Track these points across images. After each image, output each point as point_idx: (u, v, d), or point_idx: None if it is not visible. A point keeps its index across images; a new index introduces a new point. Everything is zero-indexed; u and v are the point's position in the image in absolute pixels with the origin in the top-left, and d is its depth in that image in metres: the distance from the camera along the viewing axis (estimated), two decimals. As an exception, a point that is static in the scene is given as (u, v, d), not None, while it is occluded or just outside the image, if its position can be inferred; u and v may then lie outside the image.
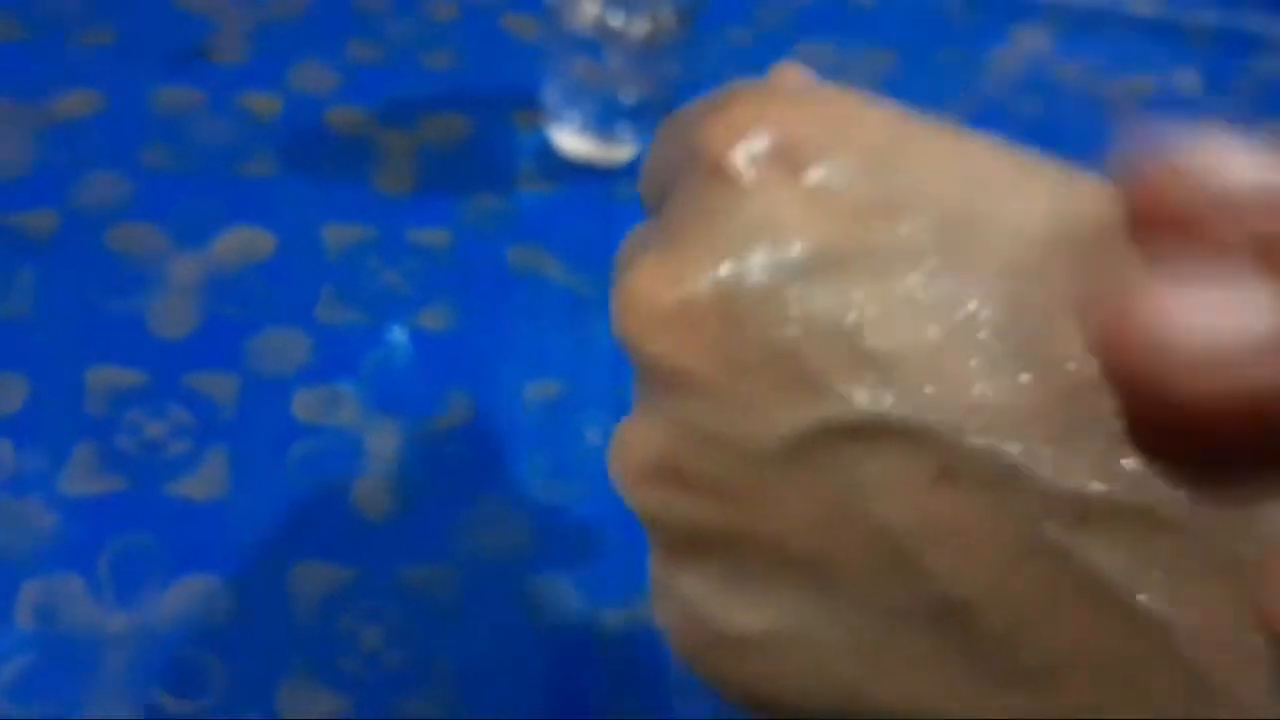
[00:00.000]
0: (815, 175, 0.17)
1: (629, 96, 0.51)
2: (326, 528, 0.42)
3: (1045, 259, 0.16)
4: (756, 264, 0.17)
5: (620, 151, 0.53)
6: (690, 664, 0.18)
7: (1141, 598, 0.14)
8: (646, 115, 0.52)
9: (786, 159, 0.17)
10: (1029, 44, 0.63)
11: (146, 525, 0.41)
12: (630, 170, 0.53)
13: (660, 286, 0.18)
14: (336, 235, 0.49)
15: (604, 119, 0.52)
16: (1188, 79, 0.62)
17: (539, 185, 0.52)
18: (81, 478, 0.42)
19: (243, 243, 0.49)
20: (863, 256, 0.16)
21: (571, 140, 0.53)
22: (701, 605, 0.18)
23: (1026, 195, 0.16)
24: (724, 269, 0.17)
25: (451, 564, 0.42)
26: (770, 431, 0.16)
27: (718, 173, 0.18)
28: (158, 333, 0.46)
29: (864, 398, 0.15)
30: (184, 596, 0.40)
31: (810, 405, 0.16)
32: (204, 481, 0.42)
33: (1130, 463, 0.14)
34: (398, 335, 0.47)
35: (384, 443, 0.44)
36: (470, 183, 0.52)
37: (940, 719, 0.16)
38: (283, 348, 0.46)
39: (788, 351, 0.16)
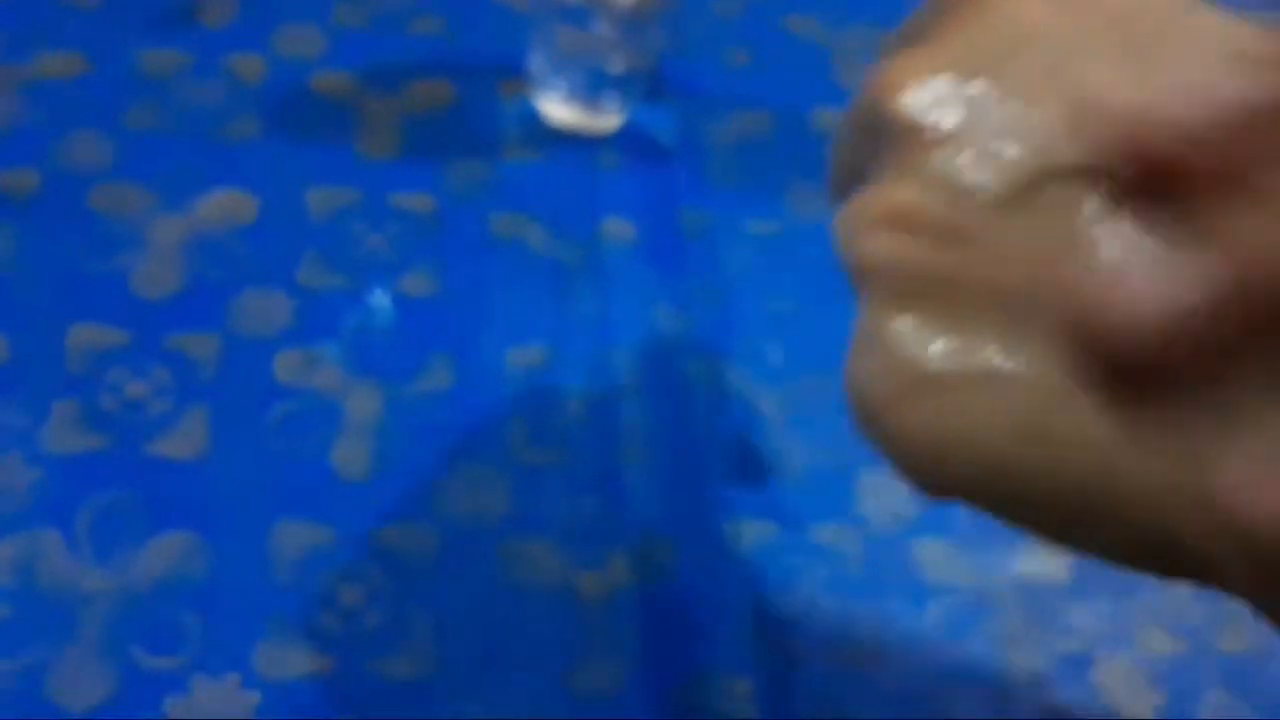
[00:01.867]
0: None
1: (615, 66, 0.51)
2: (305, 488, 0.42)
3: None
4: (1003, 55, 0.20)
5: (606, 120, 0.53)
6: (878, 415, 0.20)
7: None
8: (633, 85, 0.52)
9: None
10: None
11: (126, 483, 0.41)
12: (616, 140, 0.53)
13: (920, 61, 0.21)
14: (320, 199, 0.49)
15: (590, 88, 0.52)
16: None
17: (524, 153, 0.52)
18: (62, 435, 0.42)
19: (226, 205, 0.49)
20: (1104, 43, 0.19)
21: (557, 109, 0.53)
22: (908, 348, 0.20)
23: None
24: (975, 57, 0.20)
25: (430, 525, 0.42)
26: (1003, 177, 0.19)
27: None
28: (139, 293, 0.46)
29: (1081, 148, 0.18)
30: (162, 554, 0.40)
31: (1037, 154, 0.19)
32: (184, 441, 0.42)
33: None
34: (379, 299, 0.47)
35: (364, 405, 0.44)
36: (455, 149, 0.52)
37: (1079, 481, 0.18)
38: (264, 309, 0.46)
39: (1022, 111, 0.19)
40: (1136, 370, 0.17)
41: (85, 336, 0.44)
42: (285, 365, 0.45)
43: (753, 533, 0.43)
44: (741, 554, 0.43)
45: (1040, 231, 0.19)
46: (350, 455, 0.43)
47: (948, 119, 0.20)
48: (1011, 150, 0.19)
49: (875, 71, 0.22)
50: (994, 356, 0.19)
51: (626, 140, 0.54)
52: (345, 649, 0.39)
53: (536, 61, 0.52)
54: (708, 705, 0.40)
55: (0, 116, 0.50)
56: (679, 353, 0.47)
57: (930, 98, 0.20)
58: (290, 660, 0.39)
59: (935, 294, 0.20)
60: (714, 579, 0.42)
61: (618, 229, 0.51)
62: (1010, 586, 0.44)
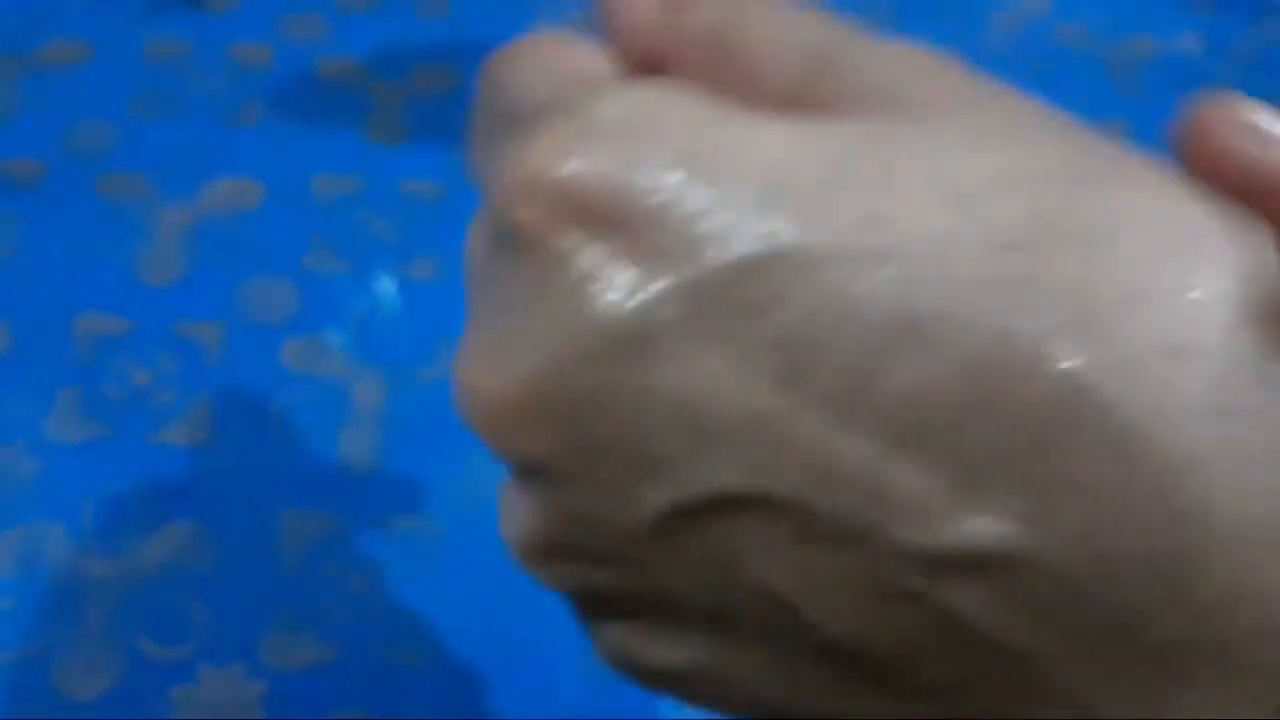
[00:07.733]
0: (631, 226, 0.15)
1: (623, 49, 0.50)
2: (312, 476, 0.42)
3: None
4: (578, 346, 0.15)
5: (614, 105, 0.53)
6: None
7: (1005, 636, 0.14)
8: (640, 68, 0.52)
9: (604, 210, 0.15)
10: (1027, 5, 0.62)
11: (131, 472, 0.41)
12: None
13: (493, 380, 0.16)
14: (325, 185, 0.49)
15: (597, 72, 0.51)
16: (1188, 41, 0.61)
17: (531, 138, 0.52)
18: (66, 424, 0.42)
19: (231, 192, 0.48)
20: (698, 318, 0.15)
21: (564, 93, 0.53)
22: (627, 649, 0.18)
23: None
24: (546, 357, 0.16)
25: (438, 513, 0.41)
26: (634, 513, 0.16)
27: (516, 239, 0.16)
28: (145, 280, 0.45)
29: (707, 475, 0.15)
30: (167, 543, 0.40)
31: (662, 487, 0.15)
32: (189, 429, 0.42)
33: (977, 519, 0.14)
34: (386, 286, 0.46)
35: (371, 392, 0.44)
36: (461, 134, 0.51)
37: None
38: (270, 297, 0.45)
39: (630, 434, 0.15)
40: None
41: (89, 324, 0.44)
42: (291, 353, 0.44)
43: (764, 520, 0.43)
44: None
45: (698, 557, 0.16)
46: (357, 443, 0.43)
47: (552, 454, 0.16)
48: (633, 484, 0.16)
49: (454, 376, 0.18)
50: (712, 654, 0.17)
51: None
52: (352, 638, 0.39)
53: (543, 46, 0.52)
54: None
55: (4, 104, 0.50)
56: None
57: (520, 430, 0.16)
58: (297, 649, 0.38)
59: (627, 607, 0.18)
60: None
61: (626, 214, 0.50)
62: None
